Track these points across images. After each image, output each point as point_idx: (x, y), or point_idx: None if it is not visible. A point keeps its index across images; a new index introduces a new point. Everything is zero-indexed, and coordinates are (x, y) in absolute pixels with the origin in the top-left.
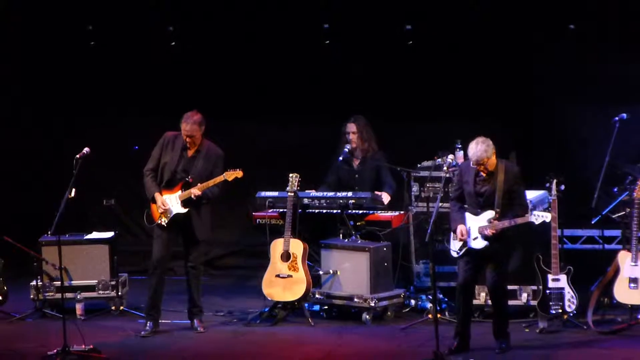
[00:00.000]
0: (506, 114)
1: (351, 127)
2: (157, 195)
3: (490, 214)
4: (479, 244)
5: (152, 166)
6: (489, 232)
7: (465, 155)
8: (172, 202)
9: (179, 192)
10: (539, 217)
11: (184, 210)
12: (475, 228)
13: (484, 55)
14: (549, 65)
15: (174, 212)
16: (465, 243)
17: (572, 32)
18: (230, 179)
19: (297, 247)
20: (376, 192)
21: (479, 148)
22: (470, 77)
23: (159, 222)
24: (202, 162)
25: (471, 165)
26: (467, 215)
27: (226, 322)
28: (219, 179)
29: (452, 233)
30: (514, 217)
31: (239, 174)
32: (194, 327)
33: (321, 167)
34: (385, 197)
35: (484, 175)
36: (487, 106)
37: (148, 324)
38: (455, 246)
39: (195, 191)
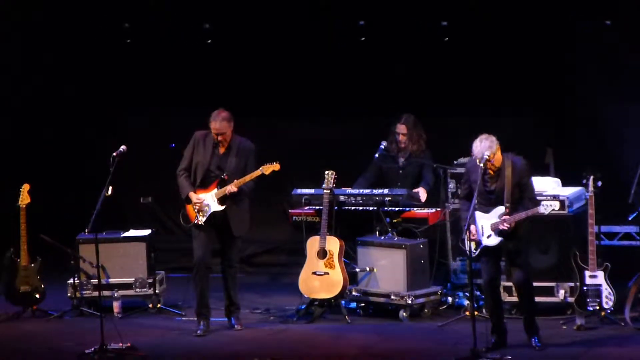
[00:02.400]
0: (543, 110)
1: (401, 129)
2: (191, 194)
3: (500, 209)
4: (493, 241)
5: (185, 166)
6: (505, 226)
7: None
8: (208, 201)
9: (215, 190)
10: (547, 207)
11: (222, 208)
12: (487, 226)
13: (521, 52)
14: (586, 59)
15: (212, 210)
16: (478, 243)
17: (611, 27)
18: (267, 173)
19: (333, 244)
20: (413, 190)
21: (484, 145)
22: (507, 74)
23: (196, 221)
24: (235, 158)
25: (484, 159)
26: (478, 213)
27: (263, 320)
28: (256, 173)
29: (464, 232)
30: (527, 209)
31: (276, 167)
32: (231, 325)
33: (357, 163)
34: (422, 193)
35: (491, 172)
36: (523, 102)
37: (201, 324)
38: (470, 246)
39: (231, 188)
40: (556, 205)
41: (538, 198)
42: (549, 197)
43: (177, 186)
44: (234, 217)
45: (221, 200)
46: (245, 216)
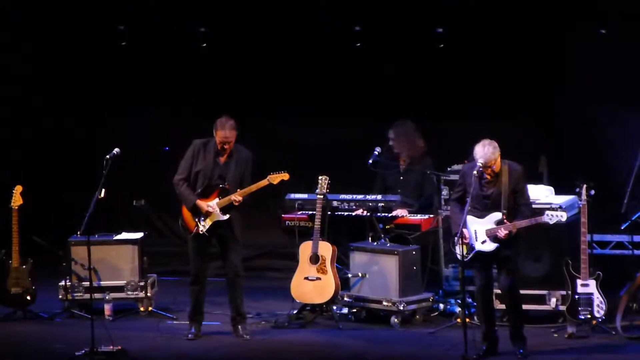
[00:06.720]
0: (537, 117)
1: (390, 134)
2: (199, 202)
3: (496, 216)
4: (488, 247)
5: (185, 176)
6: (503, 232)
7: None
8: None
9: (217, 200)
10: (553, 216)
11: (225, 217)
12: (482, 231)
13: (515, 58)
14: (580, 67)
15: (215, 220)
16: (470, 247)
17: (602, 34)
18: (275, 182)
19: (326, 249)
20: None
21: (487, 150)
22: (500, 82)
23: (197, 230)
24: (235, 166)
25: (478, 167)
26: (471, 218)
27: (254, 324)
28: (263, 183)
29: (456, 237)
30: (533, 217)
31: (285, 176)
32: (239, 335)
33: (351, 168)
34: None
35: (489, 177)
36: (517, 109)
37: (193, 328)
38: (462, 250)
39: (236, 197)
40: (563, 216)
41: (534, 206)
42: (554, 207)
43: (180, 196)
44: (237, 225)
45: (224, 209)
46: (240, 222)
